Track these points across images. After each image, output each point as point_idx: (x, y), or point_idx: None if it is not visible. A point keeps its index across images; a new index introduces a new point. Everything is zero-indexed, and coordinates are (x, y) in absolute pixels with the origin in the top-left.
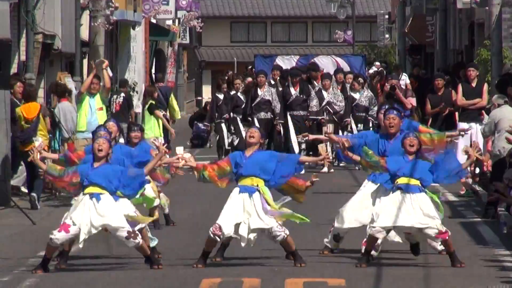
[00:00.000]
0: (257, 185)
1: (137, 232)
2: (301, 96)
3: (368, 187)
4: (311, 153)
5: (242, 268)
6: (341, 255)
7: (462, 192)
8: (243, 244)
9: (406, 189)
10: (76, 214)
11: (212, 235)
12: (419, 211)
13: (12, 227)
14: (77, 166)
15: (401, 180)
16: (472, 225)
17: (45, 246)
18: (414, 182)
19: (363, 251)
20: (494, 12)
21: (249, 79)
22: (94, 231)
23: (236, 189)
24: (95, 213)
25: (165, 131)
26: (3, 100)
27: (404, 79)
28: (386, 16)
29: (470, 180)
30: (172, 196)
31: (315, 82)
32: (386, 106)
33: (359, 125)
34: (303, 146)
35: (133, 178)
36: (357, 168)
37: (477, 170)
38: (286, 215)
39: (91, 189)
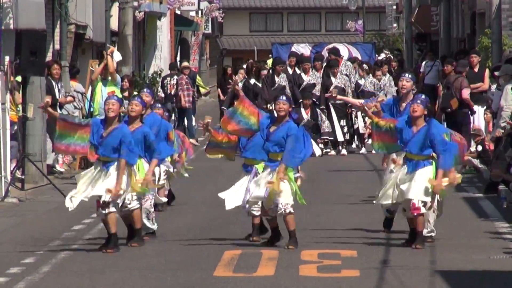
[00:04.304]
0: (279, 159)
1: (106, 202)
2: (312, 83)
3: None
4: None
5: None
6: (353, 229)
7: (463, 171)
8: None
9: (413, 166)
10: (94, 187)
11: (248, 214)
12: (420, 185)
13: (47, 204)
14: (90, 120)
15: (409, 155)
16: (474, 200)
17: (78, 222)
18: (421, 158)
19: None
20: (494, 2)
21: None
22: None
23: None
24: (102, 183)
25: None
26: (39, 85)
27: (437, 65)
28: (394, 7)
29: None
30: (196, 173)
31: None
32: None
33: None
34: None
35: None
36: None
37: (479, 148)
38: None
39: (103, 158)
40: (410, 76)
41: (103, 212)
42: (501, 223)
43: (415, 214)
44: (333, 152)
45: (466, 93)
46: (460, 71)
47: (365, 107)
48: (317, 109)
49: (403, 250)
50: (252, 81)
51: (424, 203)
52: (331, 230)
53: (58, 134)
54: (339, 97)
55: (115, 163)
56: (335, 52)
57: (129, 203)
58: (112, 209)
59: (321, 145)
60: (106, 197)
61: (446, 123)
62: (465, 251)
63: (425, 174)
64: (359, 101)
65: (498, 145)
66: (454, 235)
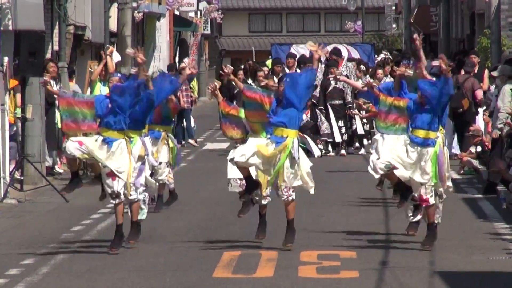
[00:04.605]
0: (286, 136)
1: (117, 192)
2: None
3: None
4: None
5: (260, 242)
6: (352, 229)
7: (462, 172)
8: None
9: (422, 143)
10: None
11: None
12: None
13: (47, 205)
14: (94, 97)
15: (419, 134)
16: (473, 201)
17: (77, 223)
18: (431, 135)
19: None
20: (493, 3)
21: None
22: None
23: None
24: (103, 152)
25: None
26: (38, 86)
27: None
28: (393, 7)
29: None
30: (195, 174)
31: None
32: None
33: (361, 111)
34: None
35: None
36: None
37: (479, 149)
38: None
39: (106, 132)
40: (410, 62)
41: (113, 202)
42: (500, 224)
43: (424, 205)
44: (332, 153)
45: (480, 94)
46: (469, 71)
47: (369, 84)
48: (316, 110)
49: (402, 251)
50: (249, 81)
51: (432, 193)
52: (330, 231)
53: (63, 111)
54: (342, 78)
55: (118, 140)
56: (336, 52)
57: (129, 195)
58: (123, 198)
59: (321, 146)
60: (116, 187)
61: (454, 123)
62: (465, 252)
63: (429, 157)
64: (361, 83)
65: (495, 146)
66: (453, 236)
